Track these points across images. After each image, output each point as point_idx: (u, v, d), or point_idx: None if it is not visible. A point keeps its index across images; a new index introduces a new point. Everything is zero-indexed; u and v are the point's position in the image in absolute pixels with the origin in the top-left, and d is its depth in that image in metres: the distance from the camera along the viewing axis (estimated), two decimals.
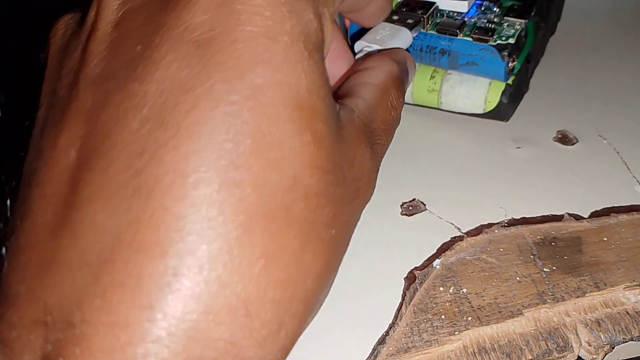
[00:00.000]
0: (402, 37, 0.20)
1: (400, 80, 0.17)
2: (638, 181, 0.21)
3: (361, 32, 0.21)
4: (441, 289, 0.18)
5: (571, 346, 0.16)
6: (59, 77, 0.12)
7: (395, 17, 0.20)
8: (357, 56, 0.20)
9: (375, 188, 0.21)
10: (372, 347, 0.16)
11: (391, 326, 0.17)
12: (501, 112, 0.22)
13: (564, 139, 0.23)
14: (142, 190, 0.10)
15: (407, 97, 0.24)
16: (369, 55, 0.19)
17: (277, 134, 0.11)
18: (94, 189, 0.10)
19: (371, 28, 0.20)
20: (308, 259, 0.11)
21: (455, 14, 0.22)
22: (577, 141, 0.23)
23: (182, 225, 0.10)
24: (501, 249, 0.19)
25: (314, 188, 0.11)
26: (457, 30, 0.21)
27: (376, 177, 0.15)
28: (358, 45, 0.20)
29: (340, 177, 0.12)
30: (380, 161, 0.16)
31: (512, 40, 0.21)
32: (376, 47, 0.19)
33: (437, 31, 0.22)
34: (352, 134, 0.14)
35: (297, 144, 0.11)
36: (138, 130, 0.10)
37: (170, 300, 0.10)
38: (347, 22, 0.24)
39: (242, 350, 0.10)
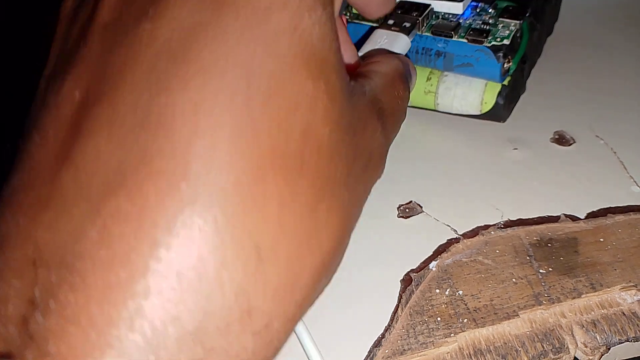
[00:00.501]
0: (400, 44, 0.20)
1: (405, 76, 0.17)
2: (635, 181, 0.21)
3: (358, 43, 0.21)
4: (437, 291, 0.18)
5: (567, 347, 0.16)
6: (68, 36, 0.12)
7: (390, 22, 0.21)
8: None
9: (372, 190, 0.21)
10: (368, 350, 0.16)
11: (387, 328, 0.17)
12: (497, 113, 0.22)
13: (561, 139, 0.23)
14: (151, 122, 0.10)
15: None
16: (373, 52, 0.19)
17: (290, 78, 0.10)
18: (99, 122, 0.10)
19: (369, 37, 0.20)
20: (322, 214, 0.11)
21: (450, 16, 0.22)
22: (574, 142, 0.23)
23: (191, 158, 0.09)
24: (497, 251, 0.19)
25: (326, 141, 0.11)
26: (452, 32, 0.21)
27: (386, 156, 0.15)
28: None
29: (353, 140, 0.12)
30: (389, 145, 0.15)
31: (507, 42, 0.21)
32: None
33: (432, 33, 0.22)
34: (363, 103, 0.14)
35: (310, 91, 0.11)
36: (148, 64, 0.10)
37: (175, 235, 0.09)
38: (344, 22, 0.24)
39: (253, 299, 0.10)
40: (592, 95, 0.25)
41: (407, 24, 0.21)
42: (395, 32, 0.20)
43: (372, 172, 0.14)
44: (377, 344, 0.16)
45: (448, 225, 0.20)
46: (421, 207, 0.21)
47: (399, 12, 0.22)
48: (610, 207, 0.20)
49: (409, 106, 0.24)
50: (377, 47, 0.20)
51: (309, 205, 0.11)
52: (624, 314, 0.17)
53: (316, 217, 0.11)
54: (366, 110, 0.14)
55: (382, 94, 0.15)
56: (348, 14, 0.24)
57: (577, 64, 0.26)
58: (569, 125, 0.23)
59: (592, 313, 0.17)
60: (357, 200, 0.13)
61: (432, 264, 0.19)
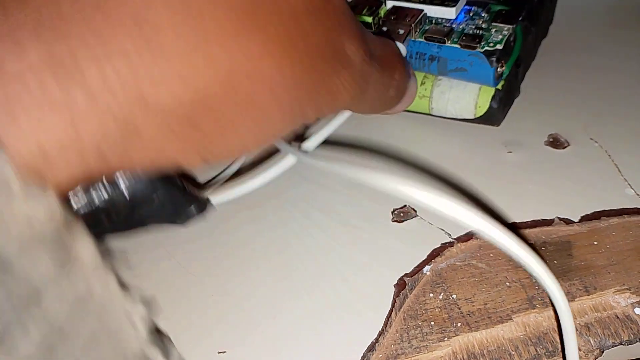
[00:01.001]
0: None
1: (403, 60, 0.17)
2: (629, 184, 0.21)
3: None
4: (431, 295, 0.18)
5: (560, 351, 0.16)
6: None
7: (384, 28, 0.21)
8: None
9: (366, 195, 0.21)
10: (362, 354, 0.16)
11: (381, 333, 0.17)
12: (492, 117, 0.22)
13: (556, 142, 0.23)
14: None
15: None
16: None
17: None
18: None
19: None
20: (261, 28, 0.11)
21: (443, 21, 0.22)
22: (569, 144, 0.23)
23: None
24: (491, 254, 0.19)
25: None
26: (445, 37, 0.21)
27: (355, 86, 0.14)
28: None
29: (326, 18, 0.12)
30: (361, 87, 0.15)
31: (499, 46, 0.21)
32: None
33: (425, 38, 0.22)
34: (355, 33, 0.13)
35: None
36: None
37: None
38: None
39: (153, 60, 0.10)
40: (587, 98, 0.25)
41: (401, 31, 0.21)
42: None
43: (335, 68, 0.13)
44: (371, 348, 0.17)
45: (442, 229, 0.20)
46: (415, 211, 0.21)
47: (393, 18, 0.22)
48: (604, 210, 0.20)
49: (404, 110, 0.24)
50: None
51: (259, 20, 0.11)
52: (618, 317, 0.17)
53: (252, 24, 0.11)
54: (350, 31, 0.13)
55: (376, 47, 0.15)
56: None
57: (571, 66, 0.26)
58: (563, 128, 0.23)
59: (586, 316, 0.17)
60: (311, 68, 0.12)
61: (426, 268, 0.19)
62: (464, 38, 0.21)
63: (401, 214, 0.21)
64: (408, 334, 0.17)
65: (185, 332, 0.18)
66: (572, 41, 0.28)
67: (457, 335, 0.17)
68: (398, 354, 0.16)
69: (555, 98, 0.25)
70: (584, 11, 0.30)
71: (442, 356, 0.16)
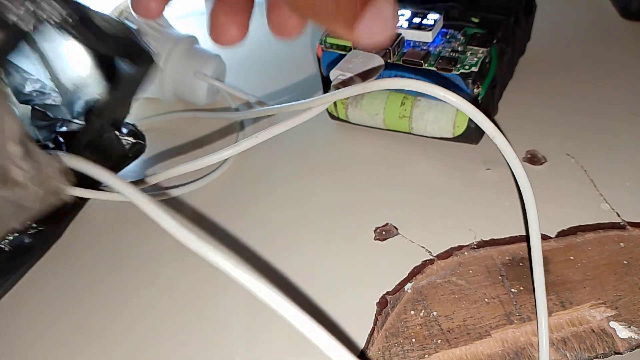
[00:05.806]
0: (375, 63, 0.21)
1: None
2: (604, 199, 0.21)
3: (336, 61, 0.22)
4: (412, 312, 0.18)
5: None
6: None
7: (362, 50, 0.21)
8: (333, 84, 0.21)
9: (349, 213, 0.22)
10: None
11: (363, 351, 0.17)
12: (469, 136, 0.23)
13: (533, 158, 0.23)
14: None
15: (380, 123, 0.24)
16: None
17: None
18: None
19: (344, 56, 0.21)
20: None
21: (420, 44, 0.23)
22: (546, 161, 0.23)
23: None
24: (470, 271, 0.19)
25: None
26: (422, 61, 0.22)
27: None
28: (333, 74, 0.21)
29: None
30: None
31: (475, 69, 0.22)
32: (350, 74, 0.20)
33: (402, 62, 0.22)
34: None
35: None
36: None
37: None
38: (320, 52, 0.25)
39: None
40: (564, 114, 0.25)
41: (380, 54, 0.21)
42: (370, 53, 0.21)
43: None
44: None
45: (423, 247, 0.20)
46: (397, 229, 0.21)
47: None
48: (580, 225, 0.20)
49: (385, 129, 0.25)
50: (351, 65, 0.21)
51: None
52: (594, 331, 0.17)
53: None
54: None
55: None
56: (324, 44, 0.24)
57: (548, 83, 0.27)
58: (540, 144, 0.24)
59: (563, 331, 0.17)
60: None
61: (408, 286, 0.19)
62: (440, 61, 0.22)
63: (383, 232, 0.21)
64: (390, 351, 0.17)
65: (170, 356, 0.18)
66: (549, 58, 0.29)
67: (437, 352, 0.17)
68: None
69: (533, 114, 0.25)
70: (561, 28, 0.31)
71: None
